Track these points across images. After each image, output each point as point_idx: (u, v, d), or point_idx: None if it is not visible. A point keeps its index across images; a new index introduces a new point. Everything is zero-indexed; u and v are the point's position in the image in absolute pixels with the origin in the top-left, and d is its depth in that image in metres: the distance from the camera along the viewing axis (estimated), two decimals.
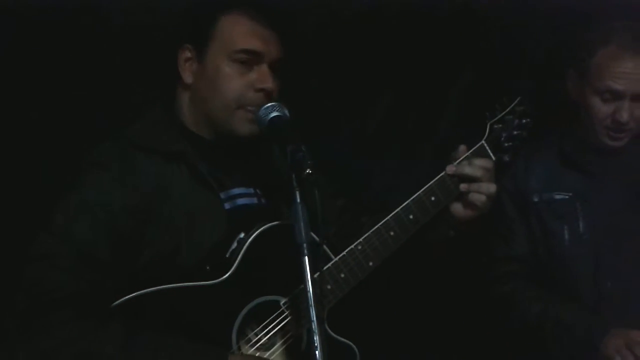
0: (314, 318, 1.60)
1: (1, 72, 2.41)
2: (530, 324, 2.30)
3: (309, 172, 1.64)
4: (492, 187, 2.00)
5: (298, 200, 1.66)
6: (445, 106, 2.97)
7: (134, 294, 1.75)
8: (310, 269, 1.62)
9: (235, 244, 1.91)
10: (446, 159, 2.07)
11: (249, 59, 1.93)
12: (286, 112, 1.86)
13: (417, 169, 2.87)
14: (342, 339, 1.96)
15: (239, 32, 1.94)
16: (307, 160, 1.66)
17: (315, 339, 1.58)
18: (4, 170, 2.41)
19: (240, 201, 2.01)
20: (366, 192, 2.87)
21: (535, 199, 2.39)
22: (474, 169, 2.00)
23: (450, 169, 2.02)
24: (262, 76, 1.93)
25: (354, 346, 1.96)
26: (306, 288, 1.62)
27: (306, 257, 1.62)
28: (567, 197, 2.36)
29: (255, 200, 2.04)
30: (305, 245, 1.62)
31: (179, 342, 1.75)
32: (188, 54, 1.98)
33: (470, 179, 2.00)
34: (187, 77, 1.98)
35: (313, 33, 2.75)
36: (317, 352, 1.57)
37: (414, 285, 2.62)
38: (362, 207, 2.30)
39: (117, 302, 1.74)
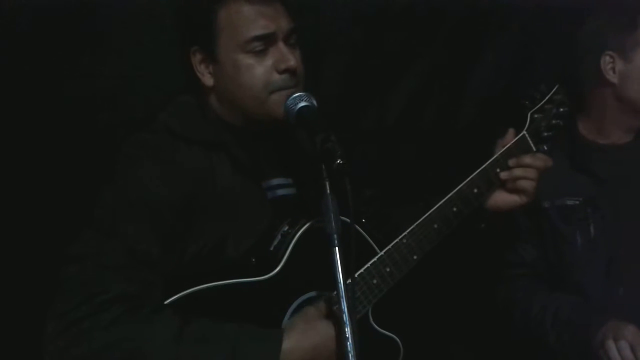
0: (345, 310, 1.58)
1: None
2: (531, 321, 2.26)
3: (339, 163, 1.59)
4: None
5: (328, 190, 1.62)
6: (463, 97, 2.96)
7: (186, 292, 1.70)
8: (341, 259, 1.59)
9: (279, 237, 1.87)
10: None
11: (262, 44, 1.83)
12: (314, 101, 1.80)
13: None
14: (387, 332, 1.94)
15: (242, 20, 1.83)
16: (337, 150, 1.60)
17: (346, 330, 1.56)
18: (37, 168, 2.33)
19: (280, 192, 1.97)
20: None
21: (546, 205, 2.30)
22: (524, 170, 2.03)
23: (503, 175, 2.04)
24: (281, 56, 1.84)
25: (398, 340, 1.95)
26: (336, 279, 1.59)
27: (337, 248, 1.60)
28: (577, 202, 2.29)
29: (293, 191, 2.00)
30: (335, 236, 1.60)
31: (234, 326, 1.70)
32: (199, 56, 1.88)
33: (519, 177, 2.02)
34: (208, 80, 1.89)
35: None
36: (348, 343, 1.56)
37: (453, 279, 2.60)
38: (389, 197, 2.28)
39: (169, 299, 1.70)
